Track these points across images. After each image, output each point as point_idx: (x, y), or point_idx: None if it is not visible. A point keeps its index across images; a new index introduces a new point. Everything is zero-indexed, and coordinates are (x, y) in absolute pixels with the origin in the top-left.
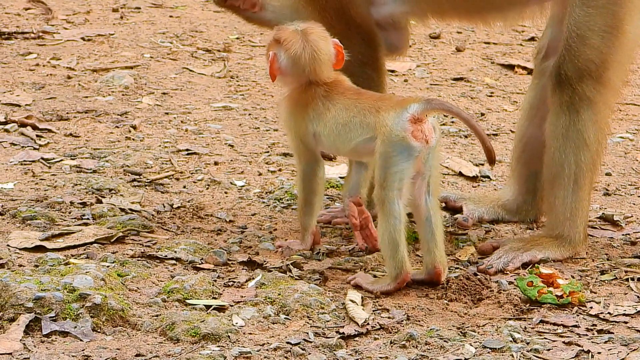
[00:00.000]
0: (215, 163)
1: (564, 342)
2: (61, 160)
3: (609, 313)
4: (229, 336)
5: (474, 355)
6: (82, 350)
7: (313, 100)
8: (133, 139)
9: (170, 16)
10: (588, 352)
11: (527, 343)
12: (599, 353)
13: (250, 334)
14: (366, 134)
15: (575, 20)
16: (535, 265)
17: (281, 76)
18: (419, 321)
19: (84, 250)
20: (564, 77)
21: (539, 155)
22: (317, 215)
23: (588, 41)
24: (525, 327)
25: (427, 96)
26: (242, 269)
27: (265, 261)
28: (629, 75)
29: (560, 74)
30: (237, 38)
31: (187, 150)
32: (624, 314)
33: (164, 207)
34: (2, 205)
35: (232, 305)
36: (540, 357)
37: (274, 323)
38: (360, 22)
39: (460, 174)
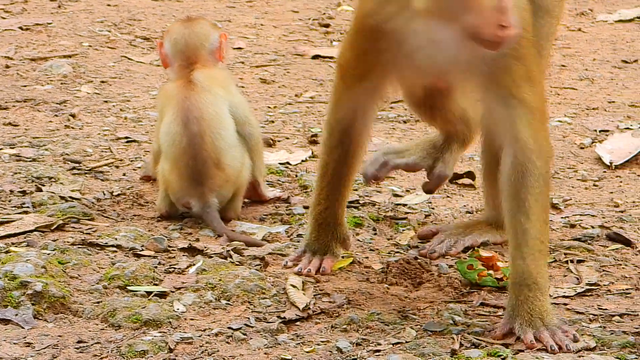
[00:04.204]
0: None
1: None
2: (0, 149)
3: (549, 295)
4: (170, 322)
5: (415, 338)
6: (24, 338)
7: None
8: (72, 128)
9: (108, 5)
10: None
11: (468, 326)
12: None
13: (191, 319)
14: None
15: None
16: (475, 248)
17: (169, 63)
18: (360, 305)
19: (25, 238)
20: None
21: None
22: None
23: None
24: (466, 310)
25: None
26: (183, 255)
27: (205, 247)
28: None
29: None
30: None
31: (126, 138)
32: (563, 296)
33: (104, 194)
34: None
35: (173, 291)
36: (481, 340)
37: (215, 309)
38: None
39: None
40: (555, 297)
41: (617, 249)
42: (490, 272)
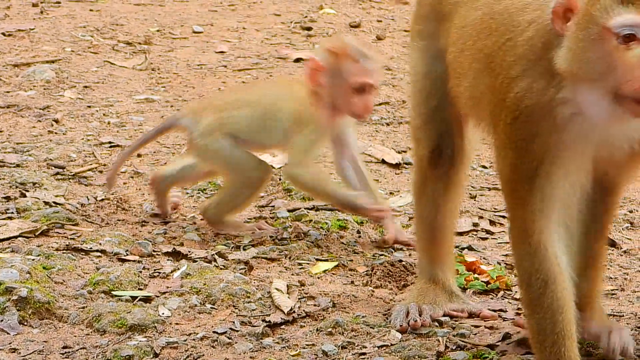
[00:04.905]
0: (139, 155)
1: (489, 326)
2: None
3: None
4: (155, 327)
5: (400, 341)
6: (9, 344)
7: None
8: (56, 133)
9: (91, 10)
10: (512, 336)
11: (453, 328)
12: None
13: (176, 324)
14: None
15: None
16: (460, 253)
17: None
18: (345, 308)
19: (9, 244)
20: None
21: None
22: None
23: None
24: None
25: None
26: (167, 259)
27: (190, 251)
28: None
29: None
30: (158, 30)
31: (109, 142)
32: None
33: (88, 199)
34: None
35: (158, 296)
36: (466, 342)
37: (200, 313)
38: None
39: (383, 162)
40: None
41: None
42: (476, 275)
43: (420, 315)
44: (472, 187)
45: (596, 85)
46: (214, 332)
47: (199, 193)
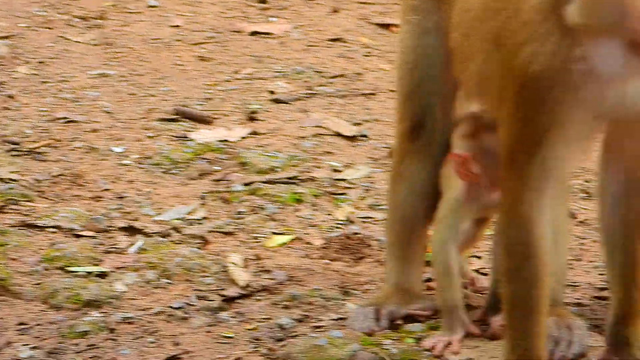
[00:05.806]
0: (94, 130)
1: None
2: None
3: None
4: (111, 302)
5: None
6: None
7: None
8: (10, 109)
9: None
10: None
11: None
12: None
13: (132, 299)
14: None
15: None
16: None
17: None
18: (301, 281)
19: None
20: None
21: None
22: None
23: None
24: None
25: None
26: (123, 234)
27: (145, 226)
28: None
29: None
30: (113, 5)
31: (64, 118)
32: None
33: (43, 175)
34: None
35: (113, 271)
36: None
37: (156, 288)
38: None
39: (338, 134)
40: None
41: None
42: None
43: (378, 320)
44: None
45: (611, 36)
46: (169, 307)
47: (154, 168)
